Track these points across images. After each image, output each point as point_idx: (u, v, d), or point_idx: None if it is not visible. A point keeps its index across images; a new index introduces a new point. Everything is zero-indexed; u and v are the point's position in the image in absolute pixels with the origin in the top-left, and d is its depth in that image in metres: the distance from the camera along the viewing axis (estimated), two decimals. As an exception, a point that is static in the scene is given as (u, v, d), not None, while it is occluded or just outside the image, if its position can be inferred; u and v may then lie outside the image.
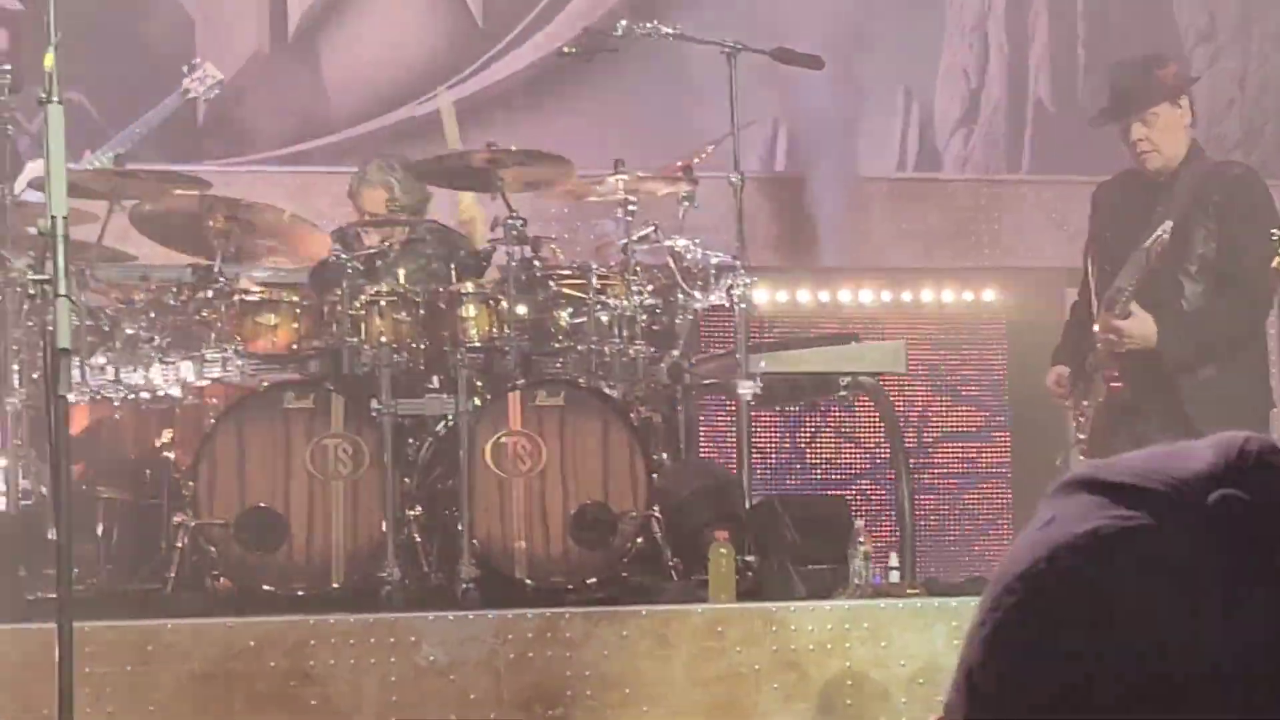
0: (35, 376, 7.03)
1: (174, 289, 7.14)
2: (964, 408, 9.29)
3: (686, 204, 7.45)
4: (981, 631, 1.10)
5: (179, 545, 6.75)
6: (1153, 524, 1.08)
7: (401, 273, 7.36)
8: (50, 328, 4.37)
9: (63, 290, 4.38)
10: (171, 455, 7.14)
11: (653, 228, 7.43)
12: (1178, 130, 6.61)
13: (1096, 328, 6.73)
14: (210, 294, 7.02)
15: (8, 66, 7.53)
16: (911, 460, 8.23)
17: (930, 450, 9.20)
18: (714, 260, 7.40)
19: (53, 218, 4.40)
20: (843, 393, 8.04)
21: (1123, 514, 1.09)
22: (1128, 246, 6.64)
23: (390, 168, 8.00)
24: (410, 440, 7.21)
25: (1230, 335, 6.52)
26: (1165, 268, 6.54)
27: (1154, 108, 6.62)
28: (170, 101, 8.39)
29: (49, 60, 4.56)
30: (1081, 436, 6.82)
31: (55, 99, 4.54)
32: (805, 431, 9.03)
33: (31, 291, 4.50)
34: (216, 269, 7.05)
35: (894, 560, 7.54)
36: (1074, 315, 7.16)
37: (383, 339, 6.99)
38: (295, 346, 7.13)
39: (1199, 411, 6.49)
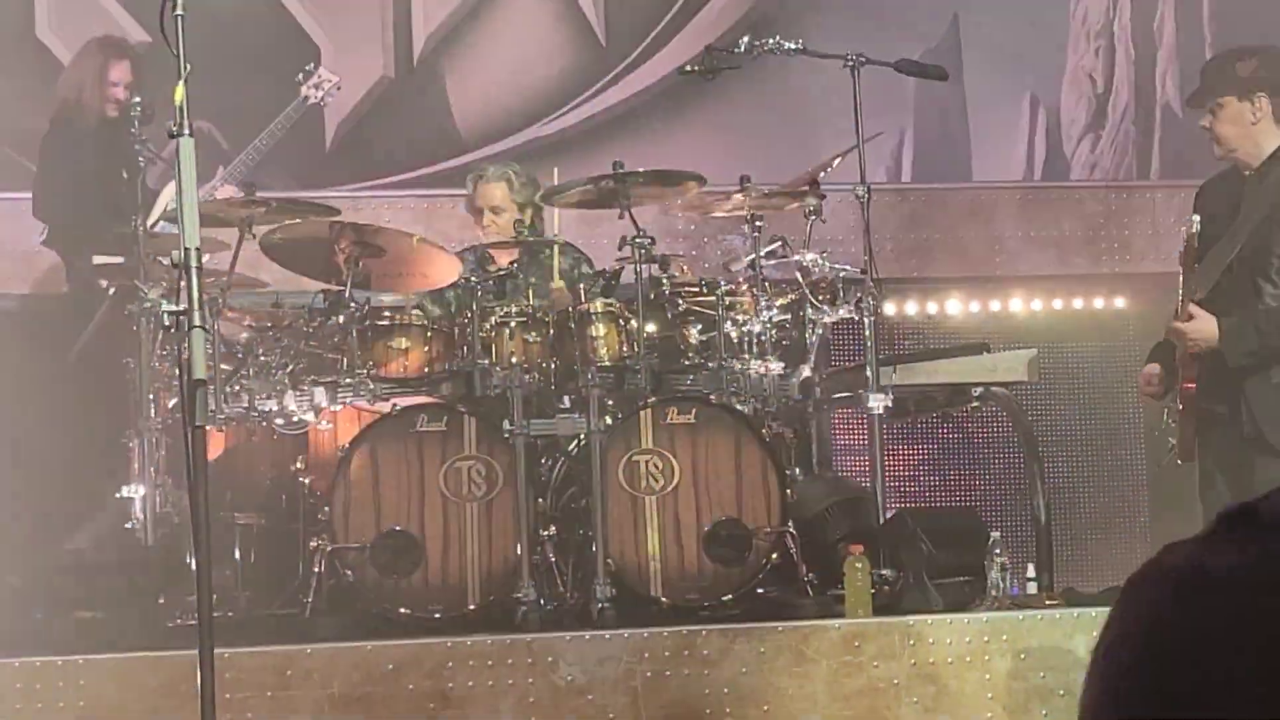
0: (171, 405, 7.11)
1: (305, 315, 7.20)
2: (1097, 415, 9.20)
3: (813, 218, 7.43)
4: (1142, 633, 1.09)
5: (316, 570, 6.80)
6: None
7: (530, 293, 7.39)
8: (186, 358, 4.40)
9: (197, 321, 4.42)
10: (306, 480, 7.19)
11: (780, 242, 7.42)
12: (1244, 124, 6.51)
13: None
14: (341, 319, 7.08)
15: (138, 99, 7.62)
16: (1046, 469, 8.15)
17: (1064, 459, 9.12)
18: (842, 273, 7.38)
19: (186, 249, 4.43)
20: (975, 403, 7.99)
21: (1240, 554, 1.09)
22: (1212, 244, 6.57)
23: (506, 163, 8.07)
24: (543, 460, 7.22)
25: None
26: (1244, 270, 6.46)
27: (1221, 99, 6.54)
28: (292, 110, 8.46)
29: (179, 93, 4.60)
30: (1172, 440, 6.75)
31: (186, 132, 4.58)
32: (938, 443, 8.97)
33: (166, 323, 4.53)
34: (347, 294, 7.09)
35: (1031, 571, 7.47)
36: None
37: (513, 360, 7.01)
38: (426, 369, 7.17)
39: (1268, 415, 6.39)
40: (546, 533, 6.98)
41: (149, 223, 7.44)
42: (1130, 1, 10.26)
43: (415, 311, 7.38)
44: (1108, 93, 10.22)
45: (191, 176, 4.50)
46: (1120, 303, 9.30)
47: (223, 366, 6.96)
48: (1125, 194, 10.03)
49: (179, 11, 4.67)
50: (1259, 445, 6.39)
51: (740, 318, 7.22)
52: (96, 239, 7.96)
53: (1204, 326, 6.44)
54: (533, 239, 7.70)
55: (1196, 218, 6.53)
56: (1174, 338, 6.57)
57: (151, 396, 7.15)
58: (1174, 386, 6.76)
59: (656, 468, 7.00)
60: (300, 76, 8.55)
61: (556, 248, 7.90)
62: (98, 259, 7.91)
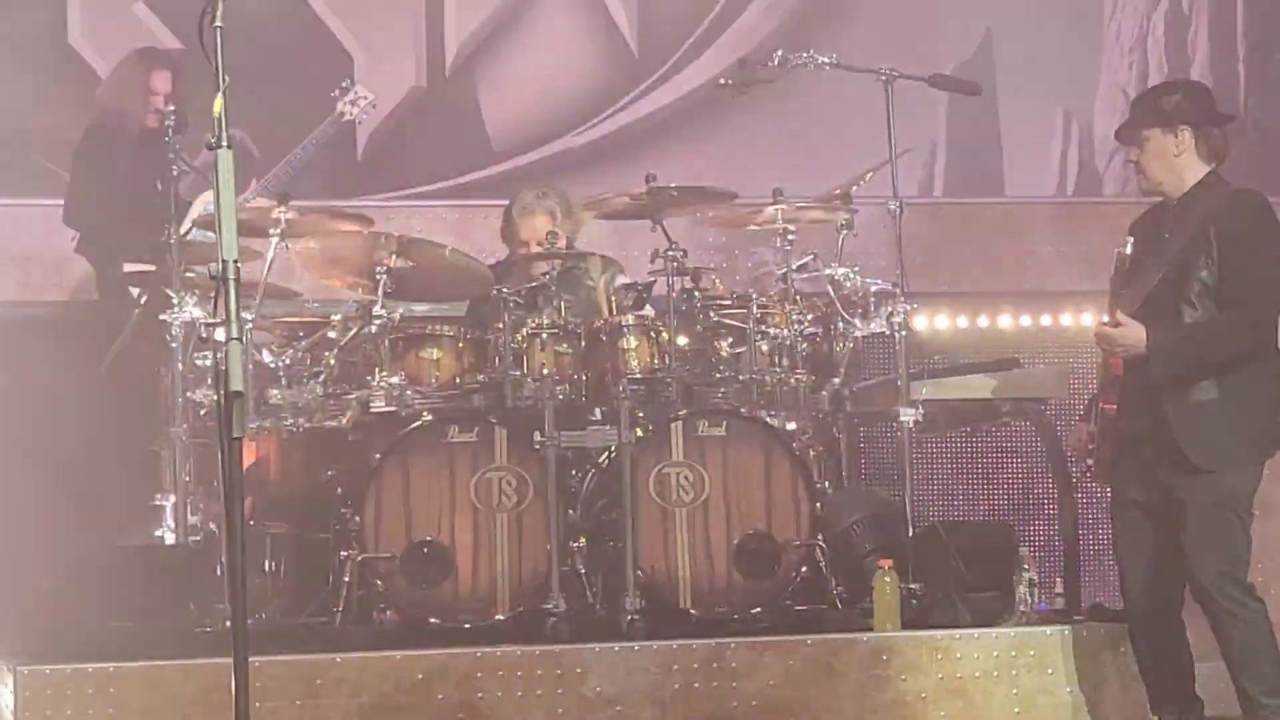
0: (202, 413, 7.13)
1: (338, 325, 7.22)
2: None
3: (845, 231, 7.43)
4: None
5: (346, 579, 6.81)
6: None
7: (562, 305, 7.40)
8: (222, 368, 4.42)
9: (234, 333, 4.43)
10: (337, 489, 7.20)
11: (812, 256, 7.43)
12: (1167, 157, 6.56)
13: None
14: (374, 329, 7.09)
15: (172, 108, 7.65)
16: (1074, 484, 8.13)
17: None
18: (874, 287, 7.38)
19: (223, 261, 4.45)
20: (1005, 418, 7.98)
21: None
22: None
23: (545, 195, 8.04)
24: (573, 472, 7.23)
25: (1227, 351, 6.42)
26: (1167, 296, 6.49)
27: (1145, 132, 6.59)
28: (327, 126, 8.49)
29: (218, 105, 4.61)
30: (1089, 461, 6.76)
31: (224, 144, 4.60)
32: (967, 457, 8.95)
33: (202, 335, 4.55)
34: (379, 304, 7.11)
35: (1059, 586, 7.47)
36: None
37: (545, 371, 7.02)
38: (458, 380, 7.18)
39: (1187, 434, 6.40)
40: (576, 544, 6.99)
41: (181, 231, 7.45)
42: (1164, 16, 10.24)
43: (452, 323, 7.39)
44: (1140, 107, 10.20)
45: (230, 188, 4.52)
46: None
47: (254, 375, 6.98)
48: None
49: (218, 23, 4.68)
50: (1179, 464, 6.41)
51: (771, 331, 7.22)
52: (129, 247, 7.98)
53: (1132, 332, 6.47)
54: (566, 252, 7.70)
55: (1130, 239, 6.57)
56: (1102, 343, 6.59)
57: (182, 402, 7.16)
58: (1092, 413, 6.78)
59: (687, 480, 7.00)
60: (336, 93, 8.58)
61: (599, 259, 7.91)
62: (130, 267, 7.93)
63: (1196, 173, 6.58)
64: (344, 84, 8.63)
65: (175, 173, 7.46)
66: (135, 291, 7.92)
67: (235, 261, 4.51)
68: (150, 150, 8.07)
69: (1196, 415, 6.42)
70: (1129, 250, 6.56)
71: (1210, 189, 6.56)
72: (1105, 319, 6.54)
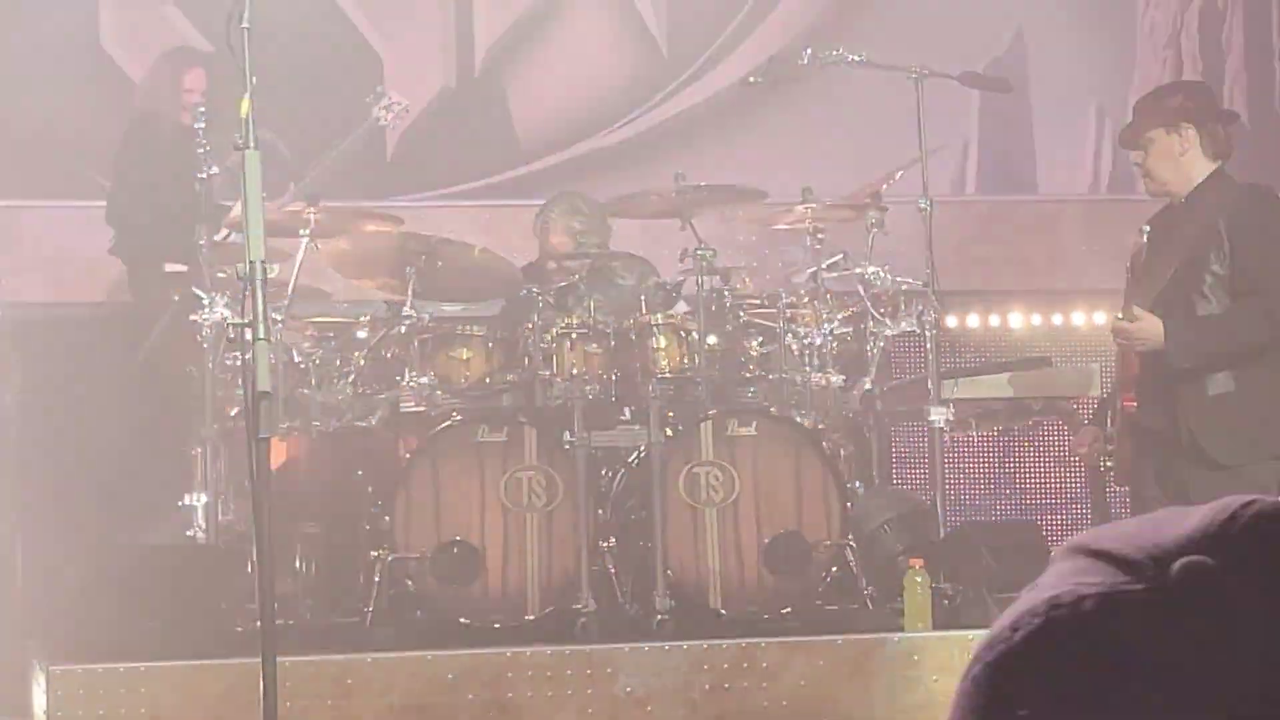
0: (232, 413, 7.14)
1: (368, 325, 7.22)
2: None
3: (875, 230, 7.42)
4: (956, 695, 1.08)
5: (376, 579, 6.82)
6: (1114, 593, 1.04)
7: (592, 304, 7.39)
8: (250, 369, 4.42)
9: (262, 334, 4.44)
10: (367, 489, 7.21)
11: (842, 255, 7.41)
12: (1173, 157, 6.54)
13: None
14: (403, 329, 7.10)
15: (203, 108, 7.66)
16: (1106, 484, 8.10)
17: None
18: (904, 286, 7.37)
19: (250, 262, 4.45)
20: (1036, 417, 7.96)
21: (1089, 582, 1.05)
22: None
23: (574, 210, 8.02)
24: (603, 472, 7.22)
25: (1244, 340, 6.39)
26: (1179, 291, 6.46)
27: (1149, 133, 6.58)
28: (362, 131, 8.50)
29: (245, 106, 4.62)
30: (1109, 462, 6.73)
31: (252, 145, 4.60)
32: (999, 457, 8.93)
33: (231, 335, 4.55)
34: (409, 304, 7.11)
35: (1092, 586, 7.43)
36: None
37: (574, 371, 7.02)
38: (488, 380, 7.19)
39: (1204, 428, 6.37)
40: (606, 544, 6.98)
41: (220, 236, 7.45)
42: (1198, 12, 10.20)
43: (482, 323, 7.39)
44: (1173, 104, 10.16)
45: (257, 189, 4.52)
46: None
47: (284, 375, 6.99)
48: (1190, 207, 9.97)
49: (245, 24, 4.69)
50: (1197, 458, 6.37)
51: (801, 330, 7.21)
52: (168, 247, 8.00)
53: (1149, 326, 6.44)
54: (596, 252, 7.70)
55: (1147, 228, 6.55)
56: (1119, 338, 6.56)
57: (212, 402, 7.18)
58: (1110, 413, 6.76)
59: (717, 480, 6.99)
60: (370, 98, 8.59)
61: (632, 259, 7.91)
62: (169, 268, 7.94)
63: (1202, 170, 6.56)
64: (378, 89, 8.65)
65: (205, 174, 7.46)
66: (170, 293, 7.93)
67: (263, 262, 4.52)
68: (187, 149, 8.08)
69: (1214, 409, 6.39)
70: (1145, 239, 6.54)
71: (1217, 185, 6.54)
72: (1120, 315, 6.52)
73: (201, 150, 7.50)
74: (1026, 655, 1.05)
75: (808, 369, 7.19)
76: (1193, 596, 1.03)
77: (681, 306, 7.39)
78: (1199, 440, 6.37)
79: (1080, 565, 1.08)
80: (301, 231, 7.11)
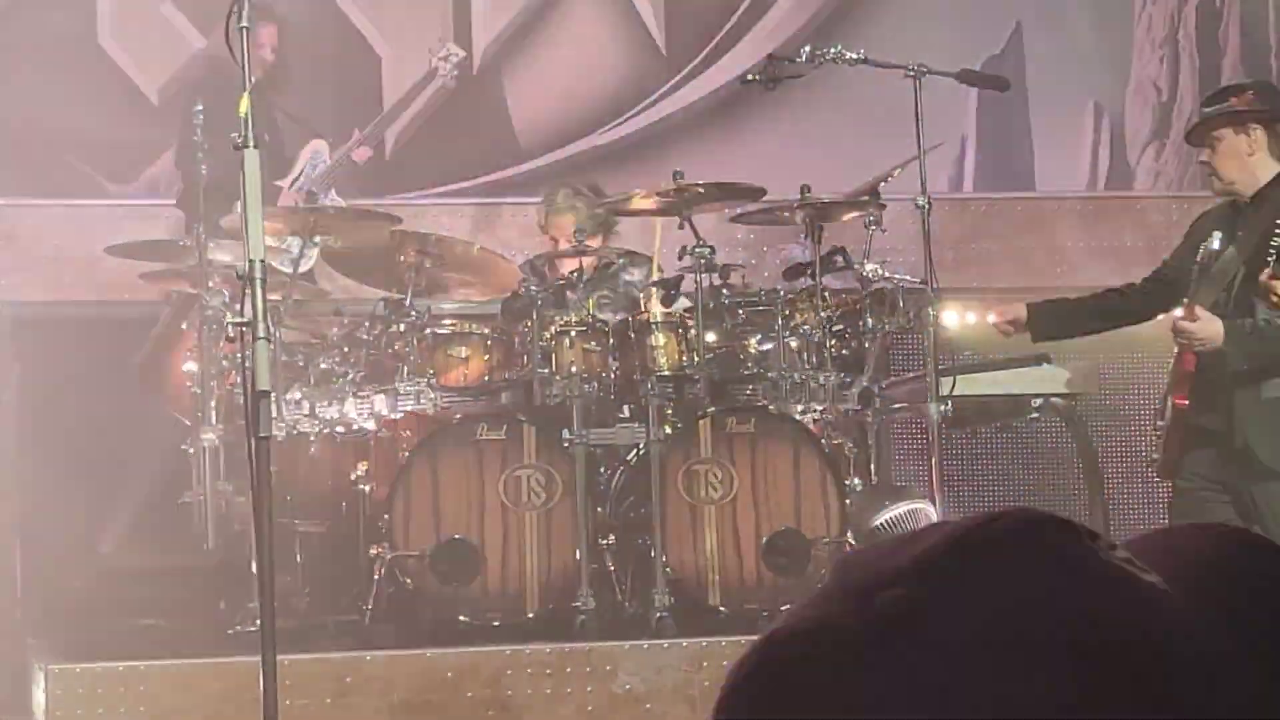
0: (231, 413, 7.14)
1: (366, 323, 7.23)
2: (1157, 429, 9.14)
3: (873, 228, 7.41)
4: None
5: (376, 577, 6.82)
6: (825, 628, 1.01)
7: (593, 302, 7.39)
8: (249, 369, 4.42)
9: (261, 333, 4.44)
10: (367, 488, 7.21)
11: (840, 252, 7.41)
12: (1240, 156, 6.54)
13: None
14: (402, 327, 7.10)
15: (200, 107, 7.65)
16: (1105, 481, 8.11)
17: (1124, 471, 9.06)
18: (902, 284, 7.36)
19: (250, 261, 4.45)
20: (1034, 414, 7.96)
21: (807, 616, 1.02)
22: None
23: (577, 192, 8.02)
24: (602, 469, 7.23)
25: None
26: (1240, 291, 6.46)
27: (1217, 133, 6.58)
28: (422, 80, 8.60)
29: (244, 105, 4.62)
30: (1155, 456, 6.73)
31: (251, 144, 4.60)
32: (997, 454, 8.93)
33: (230, 335, 4.55)
34: (408, 303, 7.12)
35: (1090, 584, 7.43)
36: None
37: (573, 369, 7.02)
38: (487, 378, 7.19)
39: (1257, 431, 6.37)
40: (605, 541, 6.99)
41: (292, 177, 7.51)
42: (1195, 9, 10.21)
43: (476, 323, 7.38)
44: (1172, 101, 10.17)
45: (256, 189, 4.52)
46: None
47: (283, 375, 6.99)
48: (1188, 205, 9.96)
49: (244, 24, 4.69)
50: (1247, 461, 6.38)
51: (800, 327, 7.21)
52: (230, 201, 8.01)
53: (1210, 325, 6.44)
54: (595, 249, 7.70)
55: (1218, 233, 6.54)
56: (1180, 336, 6.56)
57: (214, 403, 7.18)
58: (1161, 407, 6.76)
59: (715, 477, 7.00)
60: (430, 49, 8.66)
61: (627, 257, 7.91)
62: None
63: (1269, 170, 6.57)
64: (440, 39, 8.73)
65: (204, 172, 7.46)
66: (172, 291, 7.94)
67: (262, 261, 4.52)
68: (257, 100, 8.10)
69: (1268, 412, 6.39)
70: (1215, 245, 6.52)
71: None
72: (1180, 313, 6.51)
73: (200, 152, 7.50)
74: (746, 692, 1.03)
75: (806, 366, 7.19)
76: (894, 631, 0.98)
77: (683, 304, 7.39)
78: (1250, 443, 6.37)
79: (824, 588, 1.04)
80: (300, 231, 7.11)
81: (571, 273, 7.46)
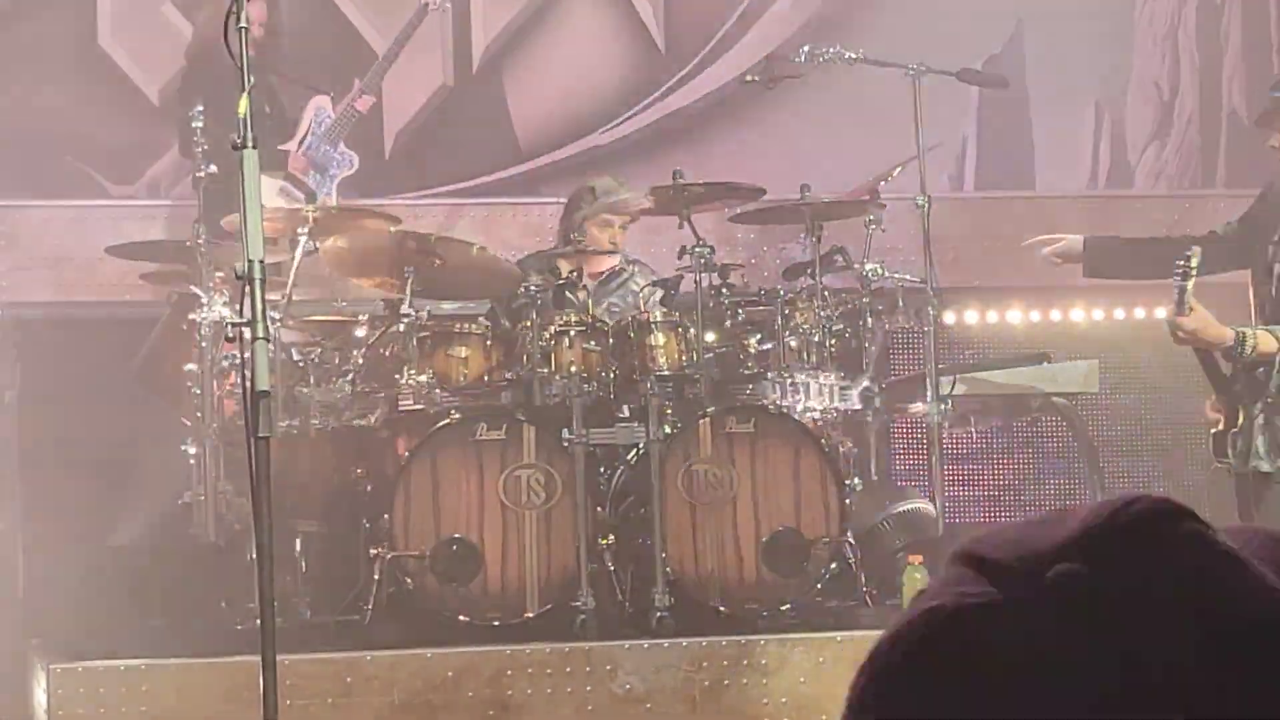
0: (229, 415, 7.14)
1: (366, 323, 7.23)
2: (1158, 426, 9.14)
3: (873, 227, 7.42)
4: (844, 710, 1.09)
5: (376, 577, 6.82)
6: (991, 602, 1.05)
7: (590, 301, 7.39)
8: (249, 369, 4.42)
9: (261, 333, 4.44)
10: (367, 488, 7.21)
11: (840, 252, 7.42)
12: None
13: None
14: (402, 327, 7.10)
15: (200, 107, 7.65)
16: (1106, 480, 8.11)
17: (1125, 470, 9.07)
18: (902, 283, 7.37)
19: (250, 261, 4.45)
20: (1035, 413, 7.96)
21: (966, 591, 1.06)
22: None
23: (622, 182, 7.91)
24: (602, 469, 7.23)
25: None
26: None
27: None
28: (415, 18, 8.63)
29: (243, 105, 4.63)
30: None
31: (249, 144, 4.60)
32: (998, 453, 8.93)
33: (230, 335, 4.55)
34: (408, 302, 7.12)
35: (1090, 582, 7.43)
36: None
37: (573, 368, 7.02)
38: (486, 377, 7.19)
39: None
40: (605, 541, 6.99)
41: (296, 141, 7.90)
42: (1196, 7, 10.20)
43: (481, 320, 7.37)
44: (1173, 99, 10.17)
45: (255, 188, 4.53)
46: (1184, 311, 9.22)
47: (283, 374, 7.00)
48: (1189, 203, 9.97)
49: (243, 24, 4.69)
50: None
51: (800, 327, 7.21)
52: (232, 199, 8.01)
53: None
54: (592, 250, 7.70)
55: None
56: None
57: (211, 402, 7.18)
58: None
59: (715, 477, 7.00)
60: None
61: (635, 265, 7.91)
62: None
63: None
64: None
65: (202, 172, 7.46)
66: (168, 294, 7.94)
67: (261, 261, 4.52)
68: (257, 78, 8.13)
69: None
70: None
71: None
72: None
73: (200, 150, 7.50)
74: (906, 670, 1.06)
75: (806, 366, 7.19)
76: (1064, 604, 1.04)
77: (655, 295, 7.39)
78: None
79: (962, 574, 1.08)
80: (299, 230, 7.11)
81: (571, 272, 7.46)
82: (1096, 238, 6.74)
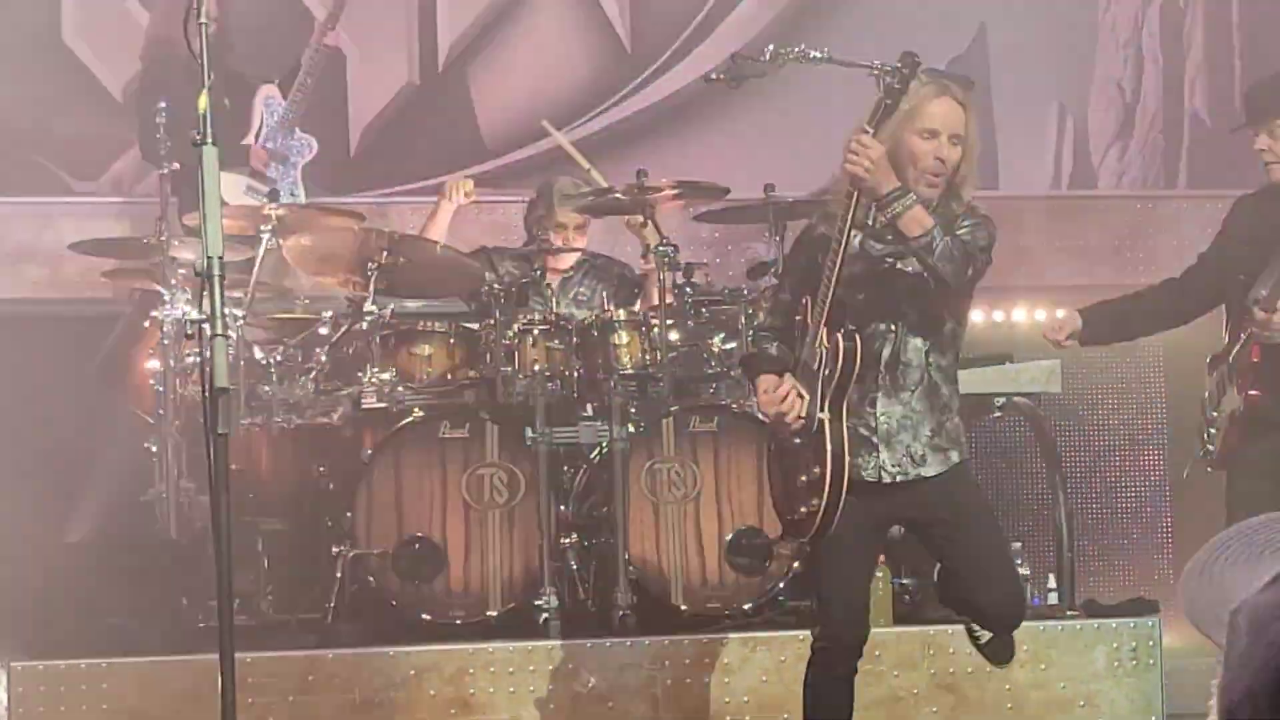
0: (193, 410, 7.12)
1: (329, 321, 7.22)
2: (1122, 428, 9.18)
3: (838, 227, 7.41)
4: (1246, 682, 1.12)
5: (338, 575, 6.81)
6: None
7: (554, 299, 7.38)
8: (209, 366, 4.41)
9: (220, 330, 4.43)
10: (329, 486, 7.20)
11: (804, 251, 7.41)
12: None
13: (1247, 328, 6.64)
14: (365, 325, 7.09)
15: (163, 104, 7.63)
16: (1068, 480, 8.13)
17: (1087, 470, 9.10)
18: (866, 282, 7.36)
19: (209, 258, 4.44)
20: (997, 413, 7.97)
21: None
22: (1261, 258, 6.55)
23: (580, 184, 7.93)
24: (565, 468, 7.23)
25: None
26: None
27: (1278, 119, 6.58)
28: None
29: (203, 102, 4.62)
30: (1211, 447, 6.72)
31: (209, 141, 4.59)
32: (961, 452, 8.94)
33: (189, 333, 4.54)
34: (371, 300, 7.11)
35: (1052, 582, 7.47)
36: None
37: (536, 367, 7.02)
38: (450, 376, 7.18)
39: None
40: (568, 540, 6.99)
41: (252, 134, 7.87)
42: (1159, 10, 10.23)
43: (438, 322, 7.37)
44: (1136, 101, 10.20)
45: (214, 185, 4.51)
46: (1145, 313, 9.25)
47: (245, 371, 6.99)
48: (1152, 204, 10.00)
49: (203, 20, 4.68)
50: None
51: (763, 326, 7.21)
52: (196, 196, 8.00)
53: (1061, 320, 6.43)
54: (558, 249, 7.70)
55: None
56: (1259, 329, 6.52)
57: (173, 399, 7.17)
58: (1213, 395, 6.73)
59: (678, 476, 7.00)
60: None
61: (600, 260, 7.92)
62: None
63: None
64: None
65: (165, 170, 7.45)
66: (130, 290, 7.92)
67: (221, 258, 4.51)
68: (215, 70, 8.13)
69: None
70: None
71: None
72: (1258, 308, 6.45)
73: (163, 150, 7.49)
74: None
75: (769, 365, 7.18)
76: None
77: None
78: None
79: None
80: (263, 228, 7.10)
81: (535, 269, 7.45)
82: (1091, 309, 6.73)
